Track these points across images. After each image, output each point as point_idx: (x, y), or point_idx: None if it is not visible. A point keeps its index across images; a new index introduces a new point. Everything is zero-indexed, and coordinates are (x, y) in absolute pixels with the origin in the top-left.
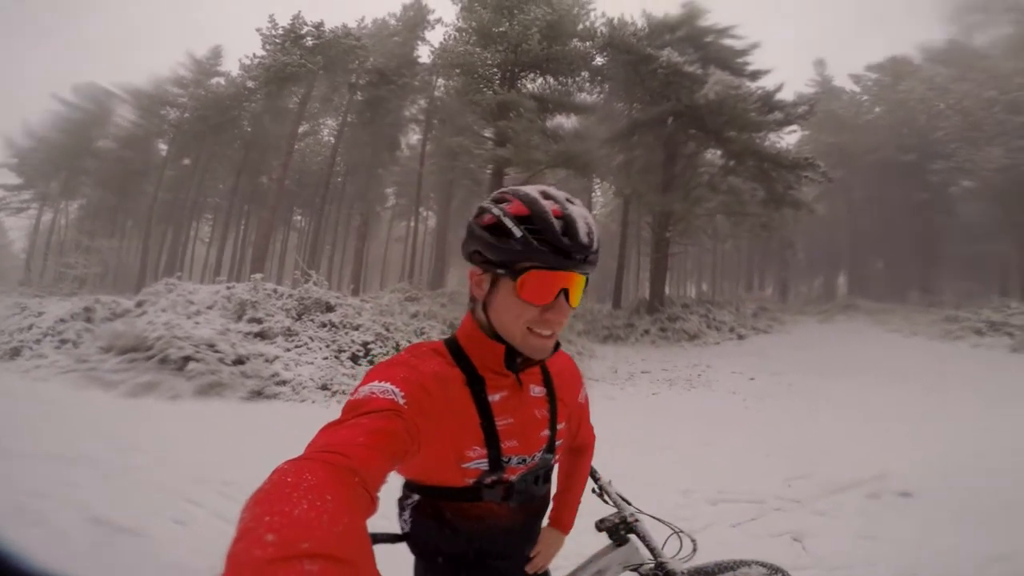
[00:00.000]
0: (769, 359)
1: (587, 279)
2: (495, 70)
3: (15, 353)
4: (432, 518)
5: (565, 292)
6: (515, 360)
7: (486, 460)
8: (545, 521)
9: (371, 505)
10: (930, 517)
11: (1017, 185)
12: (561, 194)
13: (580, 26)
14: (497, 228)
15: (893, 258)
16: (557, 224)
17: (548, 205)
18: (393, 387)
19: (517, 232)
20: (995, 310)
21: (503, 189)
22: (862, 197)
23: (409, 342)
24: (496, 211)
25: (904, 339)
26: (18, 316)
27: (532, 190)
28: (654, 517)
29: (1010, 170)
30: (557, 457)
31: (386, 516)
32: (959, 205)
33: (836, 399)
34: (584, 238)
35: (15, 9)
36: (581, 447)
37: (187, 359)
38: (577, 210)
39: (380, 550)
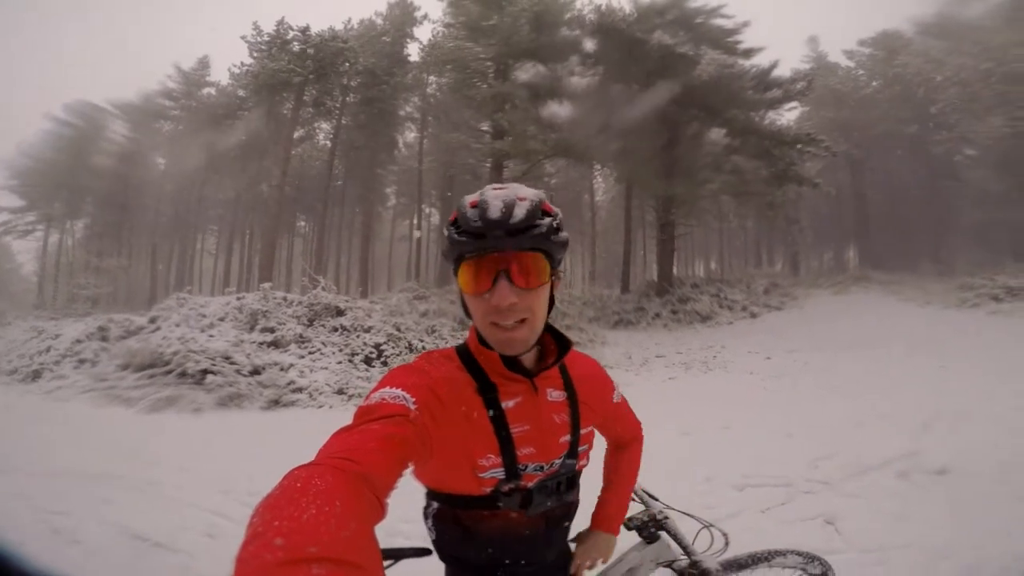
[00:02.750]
0: (784, 336)
1: (549, 256)
2: (488, 63)
3: (36, 375)
4: (453, 525)
5: (506, 274)
6: (518, 364)
7: (502, 468)
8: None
9: (380, 511)
10: (963, 495)
11: (1020, 152)
12: (495, 185)
13: (568, 14)
14: (444, 239)
15: (902, 229)
16: (471, 212)
17: (468, 199)
18: (404, 392)
19: (447, 233)
20: (1011, 275)
21: None
22: (867, 170)
23: (421, 341)
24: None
25: (919, 308)
26: (36, 340)
27: (475, 193)
28: (683, 512)
29: (1012, 138)
30: (582, 463)
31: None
32: (964, 174)
33: (855, 374)
34: (496, 214)
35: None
36: (625, 441)
37: (205, 372)
38: (498, 192)
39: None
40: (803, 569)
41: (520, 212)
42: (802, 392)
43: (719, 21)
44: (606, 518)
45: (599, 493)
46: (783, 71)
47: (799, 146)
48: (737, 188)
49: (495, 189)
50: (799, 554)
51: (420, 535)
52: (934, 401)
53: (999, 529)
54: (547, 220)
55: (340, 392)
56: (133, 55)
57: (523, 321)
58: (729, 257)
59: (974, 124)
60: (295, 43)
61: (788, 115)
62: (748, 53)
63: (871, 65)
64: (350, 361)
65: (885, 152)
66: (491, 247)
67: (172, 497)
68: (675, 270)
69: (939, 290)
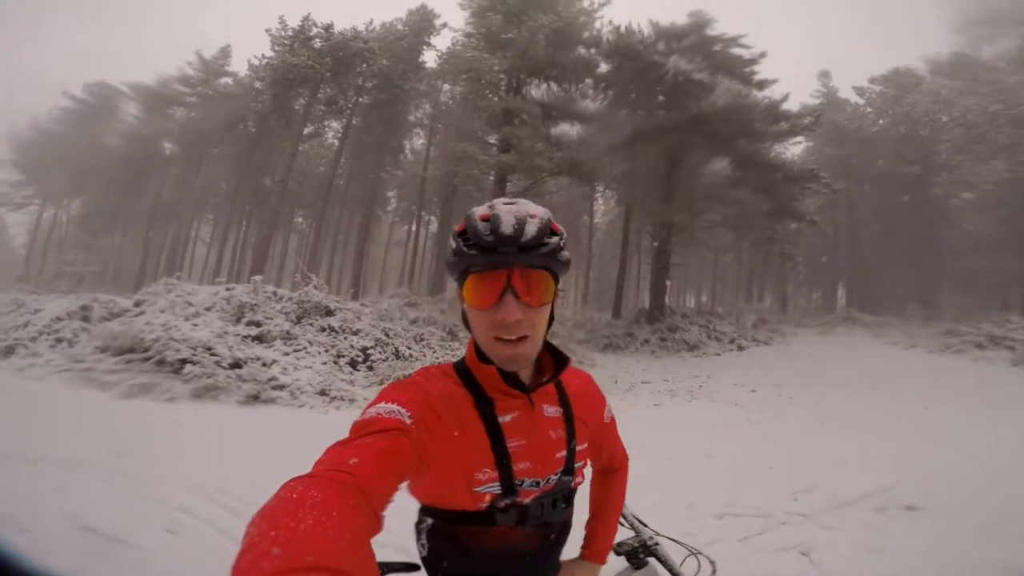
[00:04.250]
0: (770, 371)
1: (554, 275)
2: (502, 76)
3: (9, 351)
4: (447, 542)
5: (513, 290)
6: (515, 379)
7: (498, 483)
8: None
9: (376, 524)
10: (938, 530)
11: (1019, 198)
12: (505, 200)
13: (586, 33)
14: (450, 250)
15: (892, 271)
16: (482, 226)
17: (478, 211)
18: (400, 408)
19: (453, 245)
20: (996, 324)
21: None
22: (863, 209)
23: (408, 348)
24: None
25: (903, 351)
26: (14, 313)
27: (483, 205)
28: (672, 539)
29: (1012, 184)
30: (578, 479)
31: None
32: (960, 218)
33: (838, 412)
34: (508, 229)
35: (20, 9)
36: (612, 468)
37: (184, 361)
38: (510, 208)
39: None
40: None
41: (531, 229)
42: (786, 426)
43: (737, 50)
44: (595, 548)
45: (586, 522)
46: (792, 104)
47: (802, 182)
48: (735, 221)
49: (506, 204)
50: None
51: (393, 556)
52: (912, 440)
53: (969, 560)
54: (554, 239)
55: (322, 393)
56: (160, 41)
57: (525, 337)
58: (721, 291)
59: (976, 167)
60: (317, 40)
61: (792, 149)
62: (762, 84)
63: (880, 103)
64: (335, 362)
65: (884, 192)
66: (500, 262)
67: (135, 489)
68: (667, 299)
69: (925, 334)
